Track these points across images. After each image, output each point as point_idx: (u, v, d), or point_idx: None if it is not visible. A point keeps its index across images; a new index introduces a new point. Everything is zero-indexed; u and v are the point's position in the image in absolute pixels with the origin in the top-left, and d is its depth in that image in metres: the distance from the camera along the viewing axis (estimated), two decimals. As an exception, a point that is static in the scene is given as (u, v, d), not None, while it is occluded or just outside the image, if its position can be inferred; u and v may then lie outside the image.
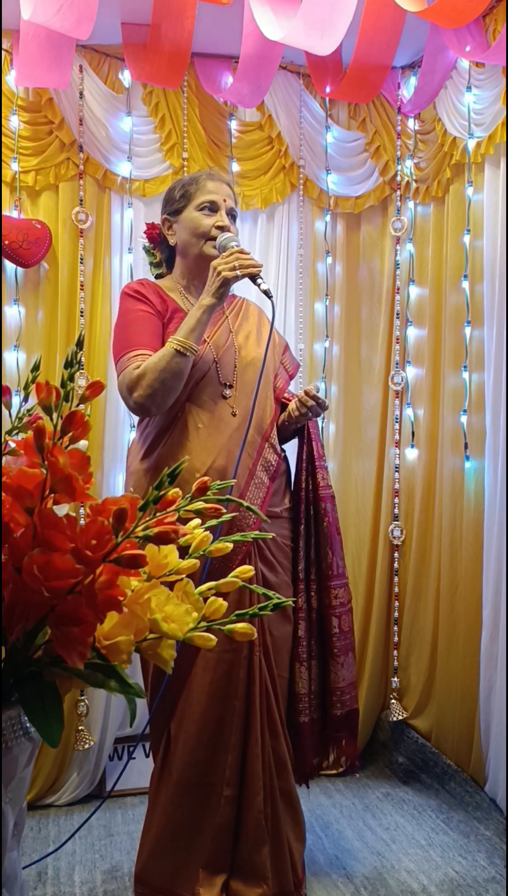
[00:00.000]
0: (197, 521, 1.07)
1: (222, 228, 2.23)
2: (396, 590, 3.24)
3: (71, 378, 1.03)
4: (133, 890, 2.26)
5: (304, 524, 2.30)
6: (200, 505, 1.05)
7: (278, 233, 3.17)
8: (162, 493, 0.98)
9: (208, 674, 2.15)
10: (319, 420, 2.44)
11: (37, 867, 2.48)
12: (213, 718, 2.15)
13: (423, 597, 3.12)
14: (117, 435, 2.99)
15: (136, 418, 2.57)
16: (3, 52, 2.82)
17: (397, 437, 3.22)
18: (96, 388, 1.06)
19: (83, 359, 2.92)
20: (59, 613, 0.91)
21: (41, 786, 2.89)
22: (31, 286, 2.92)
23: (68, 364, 1.05)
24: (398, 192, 3.20)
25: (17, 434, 1.15)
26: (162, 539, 0.97)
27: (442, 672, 3.00)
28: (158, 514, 0.99)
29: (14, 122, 2.85)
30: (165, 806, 2.18)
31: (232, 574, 1.04)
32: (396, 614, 3.23)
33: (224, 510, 1.07)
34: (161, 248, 2.40)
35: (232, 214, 2.29)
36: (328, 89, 2.97)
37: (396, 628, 3.23)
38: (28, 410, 1.14)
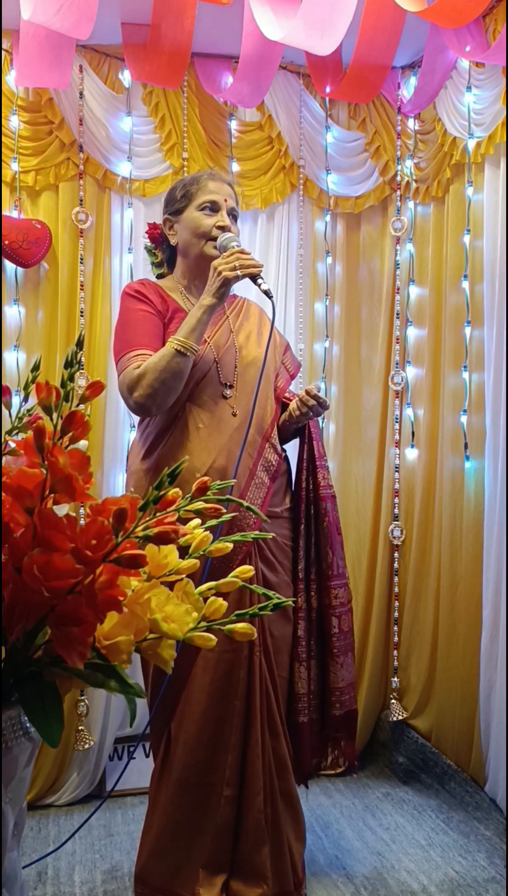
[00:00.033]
0: (197, 521, 1.07)
1: (222, 228, 2.23)
2: (396, 590, 3.24)
3: (71, 378, 1.03)
4: (133, 890, 2.26)
5: (304, 524, 2.30)
6: (200, 505, 1.05)
7: (278, 233, 3.17)
8: (162, 493, 0.98)
9: (208, 674, 2.15)
10: (319, 420, 2.44)
11: (37, 867, 2.48)
12: (213, 718, 2.15)
13: (423, 597, 3.12)
14: (117, 435, 2.99)
15: (136, 418, 2.56)
16: (3, 52, 2.82)
17: (397, 437, 3.22)
18: (96, 388, 1.06)
19: (83, 359, 2.92)
20: (59, 613, 0.91)
21: (41, 786, 2.89)
22: (31, 286, 2.92)
23: (68, 364, 1.05)
24: (398, 192, 3.20)
25: (17, 434, 1.15)
26: (162, 539, 0.97)
27: (442, 672, 3.00)
28: (158, 514, 0.99)
29: (14, 122, 2.85)
30: (165, 806, 2.18)
31: (232, 574, 1.04)
32: (396, 614, 3.23)
33: (224, 510, 1.07)
34: (163, 248, 2.40)
35: (233, 214, 2.29)
36: (328, 89, 2.97)
37: (396, 628, 3.23)
38: (28, 410, 1.14)
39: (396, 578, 3.23)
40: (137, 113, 2.98)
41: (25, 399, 1.12)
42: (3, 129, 2.82)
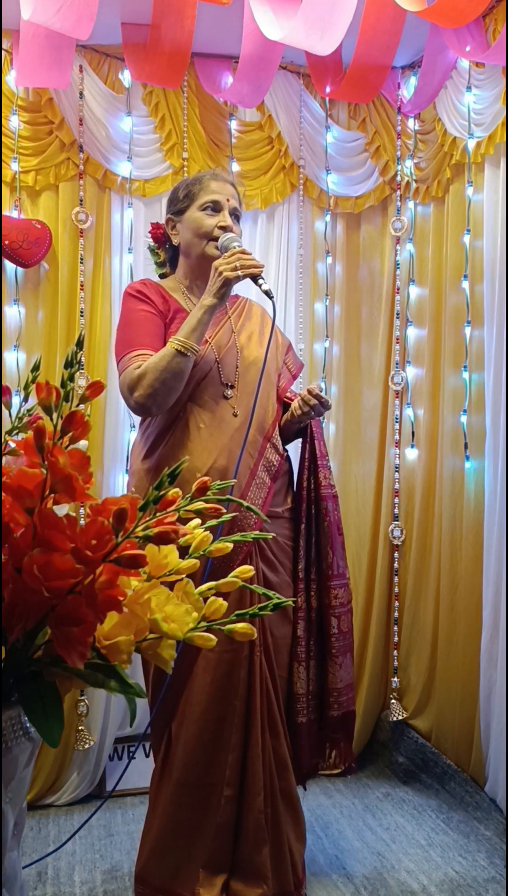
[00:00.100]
0: (197, 521, 1.06)
1: (224, 229, 2.23)
2: (396, 590, 3.24)
3: (71, 378, 1.03)
4: (133, 890, 2.26)
5: (305, 523, 2.30)
6: (200, 505, 1.05)
7: (278, 233, 3.17)
8: (162, 493, 0.98)
9: (208, 674, 2.15)
10: (320, 419, 2.43)
11: (37, 867, 2.48)
12: (213, 718, 2.15)
13: (423, 597, 3.12)
14: (117, 435, 2.99)
15: (136, 418, 2.57)
16: (3, 52, 2.82)
17: (397, 437, 3.22)
18: (96, 388, 1.06)
19: (83, 359, 2.92)
20: (59, 613, 0.91)
21: (41, 786, 2.89)
22: (31, 286, 2.92)
23: (68, 364, 1.05)
24: (398, 192, 3.20)
25: (17, 434, 1.15)
26: (162, 539, 0.97)
27: (442, 672, 3.00)
28: (158, 514, 0.99)
29: (14, 122, 2.85)
30: (165, 806, 2.18)
31: (232, 574, 1.04)
32: (396, 614, 3.23)
33: (224, 510, 1.07)
34: (165, 248, 2.40)
35: (235, 215, 2.29)
36: (328, 89, 2.97)
37: (396, 628, 3.23)
38: (28, 410, 1.14)
39: (396, 578, 3.23)
40: (137, 113, 2.98)
41: (25, 399, 1.12)
42: (3, 129, 2.82)
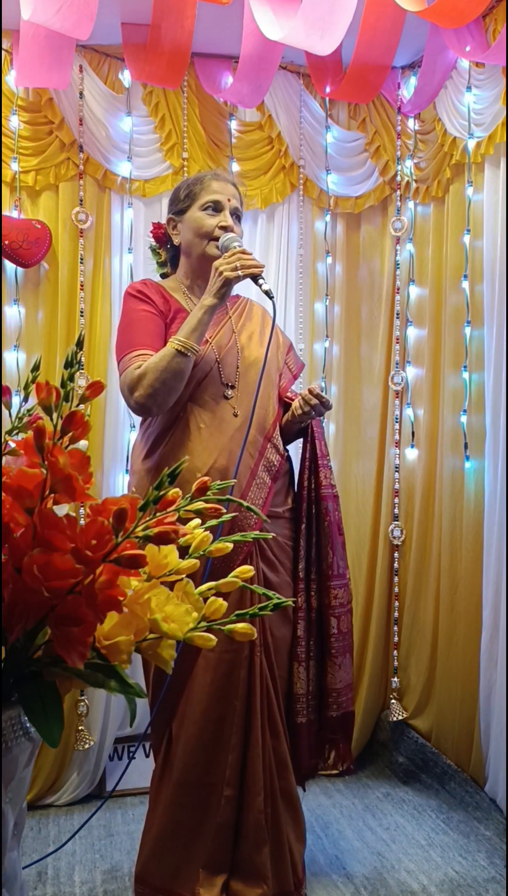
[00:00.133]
0: (197, 521, 1.06)
1: (225, 229, 2.22)
2: (396, 590, 3.24)
3: (71, 378, 1.03)
4: (133, 890, 2.26)
5: (306, 523, 2.29)
6: (200, 505, 1.05)
7: (278, 233, 3.17)
8: (162, 492, 0.98)
9: (208, 674, 2.15)
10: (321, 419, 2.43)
11: (37, 867, 2.48)
12: (213, 719, 2.15)
13: (423, 597, 3.12)
14: (117, 435, 2.99)
15: (137, 418, 2.56)
16: (3, 52, 2.82)
17: (397, 437, 3.22)
18: (96, 388, 1.06)
19: (83, 359, 2.92)
20: (59, 613, 0.91)
21: (41, 786, 2.89)
22: (31, 286, 2.92)
23: (68, 364, 1.05)
24: (398, 192, 3.20)
25: (17, 434, 1.15)
26: (162, 539, 0.97)
27: (442, 672, 3.00)
28: (158, 514, 0.99)
29: (14, 122, 2.85)
30: (165, 806, 2.18)
31: (232, 574, 1.04)
32: (396, 614, 3.23)
33: (224, 510, 1.07)
34: (166, 248, 2.40)
35: (237, 215, 2.29)
36: (328, 89, 2.97)
37: (396, 628, 3.23)
38: (28, 410, 1.14)
39: (396, 578, 3.23)
40: (137, 113, 2.98)
41: (25, 399, 1.12)
42: (3, 129, 2.82)
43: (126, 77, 2.94)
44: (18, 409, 1.16)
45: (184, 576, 1.02)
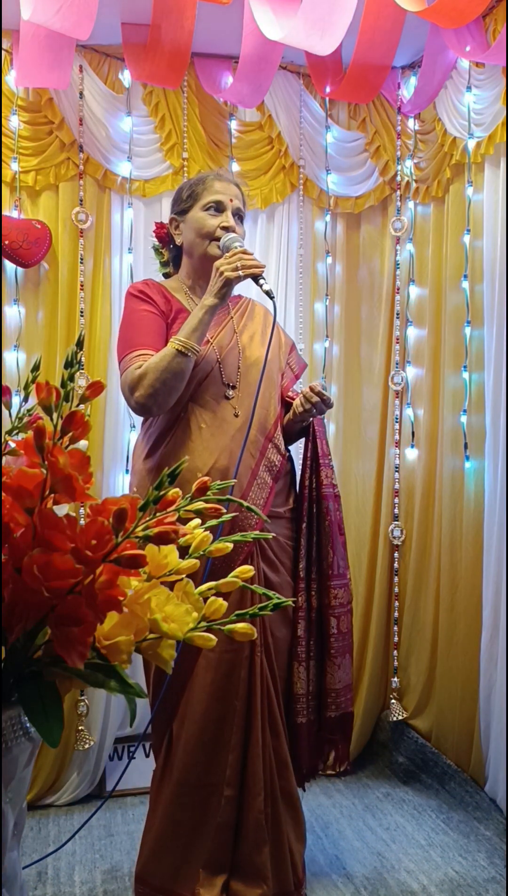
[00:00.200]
0: (197, 521, 1.06)
1: (226, 229, 2.22)
2: (396, 590, 3.24)
3: (71, 378, 1.03)
4: (133, 890, 2.26)
5: (306, 522, 2.29)
6: (200, 505, 1.05)
7: (278, 233, 3.17)
8: (162, 492, 0.98)
9: (209, 674, 2.15)
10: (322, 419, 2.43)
11: (37, 867, 2.48)
12: (214, 719, 2.15)
13: (423, 597, 3.12)
14: (117, 435, 2.99)
15: (137, 418, 2.56)
16: (3, 52, 2.82)
17: (397, 437, 3.22)
18: (96, 388, 1.06)
19: (83, 359, 2.92)
20: (59, 613, 0.91)
21: (41, 786, 2.89)
22: (31, 286, 2.92)
23: (68, 364, 1.05)
24: (398, 192, 3.20)
25: (17, 434, 1.15)
26: (162, 539, 0.97)
27: (442, 672, 3.00)
28: (158, 514, 0.99)
29: (14, 122, 2.85)
30: (166, 806, 2.18)
31: (232, 574, 1.04)
32: (396, 614, 3.23)
33: (224, 510, 1.07)
34: (169, 248, 2.40)
35: (239, 215, 2.29)
36: (328, 89, 2.97)
37: (396, 628, 3.23)
38: (28, 410, 1.14)
39: (396, 578, 3.23)
40: (137, 113, 2.98)
41: (25, 399, 1.12)
42: (3, 129, 2.82)
43: (126, 77, 2.94)
44: (18, 409, 1.16)
45: (184, 576, 1.02)
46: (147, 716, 2.45)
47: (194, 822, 2.16)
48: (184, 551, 1.03)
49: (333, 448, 3.24)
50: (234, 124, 3.09)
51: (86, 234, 2.93)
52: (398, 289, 3.21)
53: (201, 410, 2.19)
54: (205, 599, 1.01)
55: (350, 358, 3.30)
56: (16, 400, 1.15)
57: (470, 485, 2.85)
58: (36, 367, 1.11)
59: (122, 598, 0.95)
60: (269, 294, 2.11)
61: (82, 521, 0.92)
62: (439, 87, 2.90)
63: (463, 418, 2.88)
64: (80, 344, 1.10)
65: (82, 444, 1.00)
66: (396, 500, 3.22)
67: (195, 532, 1.04)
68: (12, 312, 2.89)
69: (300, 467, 2.36)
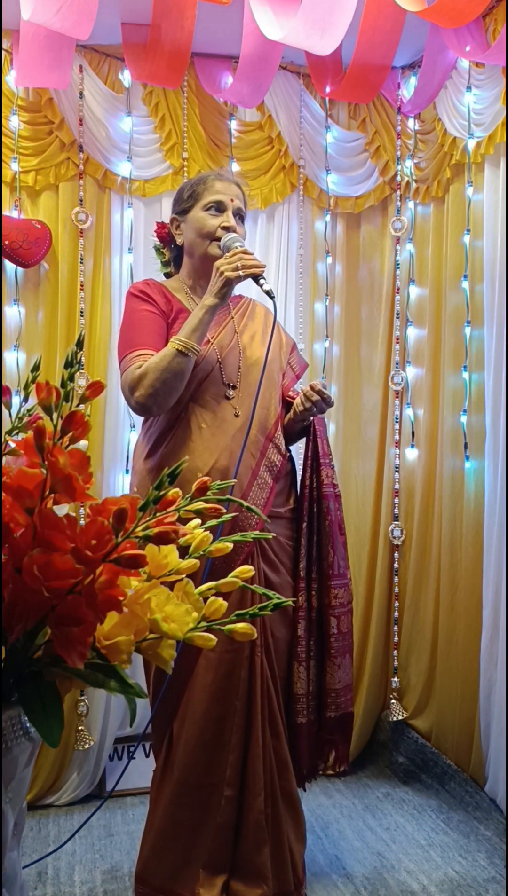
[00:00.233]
0: (197, 521, 1.06)
1: (227, 229, 2.22)
2: (396, 590, 3.24)
3: (71, 378, 1.03)
4: (133, 890, 2.26)
5: (307, 522, 2.29)
6: (200, 505, 1.05)
7: (278, 233, 3.17)
8: (162, 492, 0.98)
9: (209, 674, 2.15)
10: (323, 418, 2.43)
11: (37, 867, 2.48)
12: (214, 718, 2.15)
13: (423, 597, 3.12)
14: (117, 435, 2.99)
15: (137, 418, 2.56)
16: (3, 52, 2.82)
17: (397, 437, 3.22)
18: (96, 388, 1.06)
19: (83, 359, 2.92)
20: (59, 613, 0.91)
21: (41, 786, 2.89)
22: (31, 286, 2.92)
23: (68, 364, 1.05)
24: (398, 192, 3.20)
25: (17, 434, 1.15)
26: (162, 539, 0.97)
27: (442, 672, 3.00)
28: (158, 514, 0.99)
29: (14, 122, 2.85)
30: (166, 806, 2.18)
31: (232, 574, 1.04)
32: (396, 614, 3.23)
33: (224, 510, 1.07)
34: (170, 248, 2.40)
35: (240, 215, 2.28)
36: (328, 89, 2.97)
37: (396, 628, 3.23)
38: (28, 410, 1.14)
39: (396, 578, 3.23)
40: (137, 113, 2.98)
41: (25, 399, 1.12)
42: (3, 129, 2.82)
43: (126, 77, 2.94)
44: (18, 409, 1.16)
45: (184, 576, 1.02)
46: (147, 716, 2.44)
47: (194, 822, 2.16)
48: (184, 551, 1.03)
49: (333, 448, 3.23)
50: (234, 124, 3.09)
51: (86, 234, 2.93)
52: (398, 289, 3.21)
53: (202, 410, 2.19)
54: (205, 599, 1.01)
55: (350, 358, 3.30)
56: (16, 400, 1.15)
57: (470, 485, 2.85)
58: (36, 367, 1.11)
59: (122, 598, 0.95)
60: (269, 294, 2.11)
61: (82, 521, 0.92)
62: (439, 87, 2.90)
63: (463, 418, 2.88)
64: (80, 344, 1.10)
65: (82, 444, 1.00)
66: (396, 500, 3.22)
67: (195, 532, 1.04)
68: (12, 312, 2.89)
69: (301, 467, 2.36)
